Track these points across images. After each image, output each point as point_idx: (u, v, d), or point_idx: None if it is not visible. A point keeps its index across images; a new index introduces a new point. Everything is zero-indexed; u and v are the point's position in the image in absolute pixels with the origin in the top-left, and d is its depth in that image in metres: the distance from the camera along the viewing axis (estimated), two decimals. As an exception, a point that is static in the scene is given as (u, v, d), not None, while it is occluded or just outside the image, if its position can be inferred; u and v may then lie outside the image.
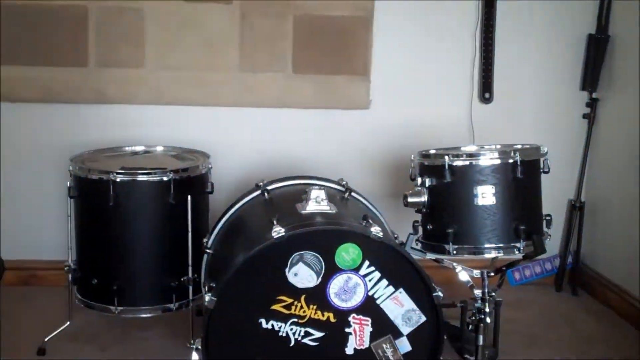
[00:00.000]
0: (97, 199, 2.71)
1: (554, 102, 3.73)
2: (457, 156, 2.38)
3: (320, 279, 2.22)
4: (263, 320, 2.23)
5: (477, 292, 2.45)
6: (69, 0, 3.41)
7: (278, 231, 2.17)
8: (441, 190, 2.41)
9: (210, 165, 2.96)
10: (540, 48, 3.69)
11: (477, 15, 3.59)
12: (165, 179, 2.72)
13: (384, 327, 2.28)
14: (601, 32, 3.59)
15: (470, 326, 2.48)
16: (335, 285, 2.23)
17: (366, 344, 2.29)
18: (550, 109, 3.74)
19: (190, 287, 2.77)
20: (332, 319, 2.25)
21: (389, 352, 2.30)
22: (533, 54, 3.69)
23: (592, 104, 3.64)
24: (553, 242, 3.72)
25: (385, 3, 3.53)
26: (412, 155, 2.53)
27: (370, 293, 2.25)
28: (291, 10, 3.50)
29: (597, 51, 3.60)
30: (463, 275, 2.51)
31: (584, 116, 3.68)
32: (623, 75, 3.51)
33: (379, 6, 3.52)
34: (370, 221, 2.27)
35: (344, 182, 2.70)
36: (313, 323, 2.24)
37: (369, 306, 2.26)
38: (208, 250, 2.61)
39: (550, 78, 3.72)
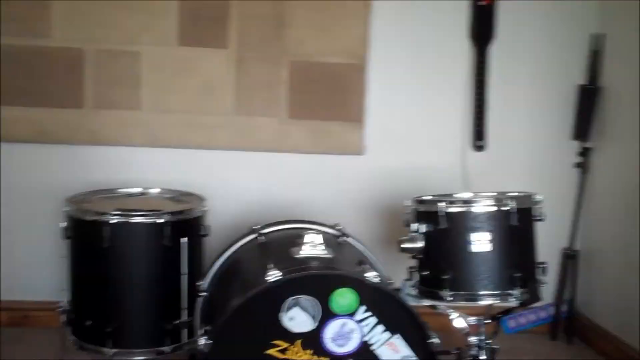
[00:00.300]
0: (91, 240, 2.69)
1: (546, 150, 3.77)
2: (453, 202, 2.39)
3: (316, 324, 2.21)
4: (258, 365, 2.21)
5: (473, 339, 2.44)
6: (66, 42, 3.44)
7: (274, 275, 2.16)
8: (436, 237, 2.41)
9: (205, 208, 2.96)
10: (532, 97, 3.73)
11: (469, 64, 3.64)
12: (160, 221, 2.71)
13: (379, 373, 2.27)
14: (592, 83, 3.64)
15: (466, 373, 2.47)
16: (331, 330, 2.22)
17: (362, 390, 2.27)
18: (542, 158, 3.77)
19: (185, 330, 2.75)
20: (327, 365, 2.24)
21: (385, 399, 2.28)
22: (524, 103, 3.73)
23: (584, 153, 3.68)
24: (548, 290, 3.72)
25: (379, 51, 3.58)
26: (407, 201, 2.54)
27: (365, 339, 2.24)
28: (287, 56, 3.55)
29: (588, 101, 3.64)
30: (458, 322, 2.50)
31: (577, 165, 3.71)
32: (615, 125, 3.55)
33: (373, 54, 3.57)
34: (367, 266, 2.27)
35: (340, 227, 2.71)
36: (308, 368, 2.23)
37: (364, 352, 2.24)
38: (203, 293, 2.60)
39: (542, 127, 3.76)
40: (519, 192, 2.53)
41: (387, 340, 2.25)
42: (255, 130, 3.57)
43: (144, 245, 2.76)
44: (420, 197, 2.55)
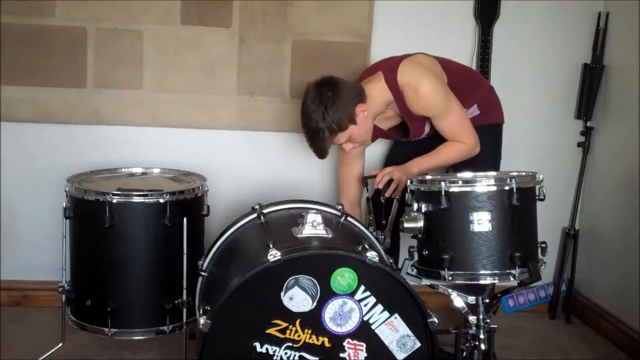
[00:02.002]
0: (92, 220, 2.70)
1: (549, 130, 3.76)
2: (454, 182, 2.39)
3: (315, 304, 2.21)
4: (257, 344, 2.21)
5: (472, 318, 2.45)
6: (68, 21, 3.43)
7: (274, 255, 2.16)
8: (437, 216, 2.40)
9: (206, 188, 2.96)
10: (536, 76, 3.73)
11: (474, 43, 3.62)
12: (161, 201, 2.73)
13: (378, 352, 2.26)
14: (596, 62, 3.62)
15: (465, 353, 2.47)
16: (331, 309, 2.22)
17: (361, 370, 2.28)
18: (545, 137, 3.77)
19: (185, 310, 2.76)
20: (326, 344, 2.24)
21: (384, 378, 2.29)
22: (528, 82, 3.73)
23: (587, 132, 3.67)
24: (547, 270, 3.73)
25: (383, 30, 3.57)
26: (409, 181, 2.54)
27: (365, 318, 2.24)
28: (290, 35, 3.54)
29: (592, 80, 3.63)
30: (458, 302, 2.51)
31: (579, 144, 3.71)
32: (618, 104, 3.54)
33: (377, 33, 3.56)
34: (366, 246, 2.27)
35: (340, 207, 2.70)
36: (308, 347, 2.23)
37: (363, 331, 2.24)
38: (203, 273, 2.60)
39: (546, 106, 3.76)
40: (520, 172, 2.51)
41: (386, 319, 2.25)
42: (257, 110, 3.57)
43: (144, 225, 2.77)
44: (422, 176, 2.55)
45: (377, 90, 2.97)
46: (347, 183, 3.25)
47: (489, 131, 3.11)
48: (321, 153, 2.96)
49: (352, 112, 2.86)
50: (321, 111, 2.82)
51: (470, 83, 3.16)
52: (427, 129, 3.09)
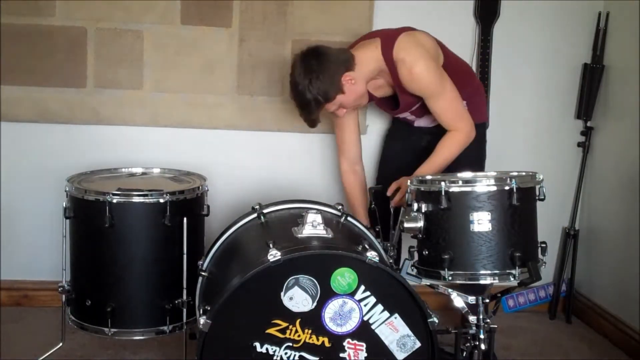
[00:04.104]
0: (93, 219, 2.71)
1: (549, 130, 3.77)
2: (454, 182, 2.39)
3: (315, 303, 2.21)
4: (257, 344, 2.21)
5: (472, 318, 2.45)
6: (68, 21, 3.43)
7: (274, 254, 2.16)
8: (437, 216, 2.40)
9: (206, 188, 2.96)
10: (536, 76, 3.73)
11: (474, 43, 3.62)
12: (161, 201, 2.72)
13: (378, 352, 2.27)
14: (596, 62, 3.62)
15: (465, 353, 2.47)
16: (331, 309, 2.22)
17: (361, 370, 2.28)
18: (545, 137, 3.77)
19: (185, 310, 2.76)
20: (326, 344, 2.24)
21: (384, 378, 2.29)
22: (528, 82, 3.73)
23: (587, 132, 3.67)
24: (547, 270, 3.73)
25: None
26: (409, 181, 2.54)
27: (365, 318, 2.24)
28: (289, 35, 3.53)
29: (592, 80, 3.63)
30: (458, 302, 2.50)
31: (579, 144, 3.71)
32: (618, 104, 3.54)
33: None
34: (367, 246, 2.27)
35: (341, 207, 2.70)
36: (308, 347, 2.23)
37: (364, 331, 2.25)
38: (203, 273, 2.60)
39: (546, 106, 3.76)
40: (520, 172, 2.51)
41: (386, 319, 2.25)
42: (257, 110, 3.57)
43: (144, 224, 2.77)
44: (422, 176, 2.55)
45: (371, 57, 2.96)
46: (344, 143, 3.27)
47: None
48: (311, 123, 3.00)
49: (338, 82, 2.88)
50: (307, 83, 2.85)
51: (462, 74, 3.13)
52: (416, 104, 3.06)
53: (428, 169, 2.91)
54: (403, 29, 3.01)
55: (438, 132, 3.02)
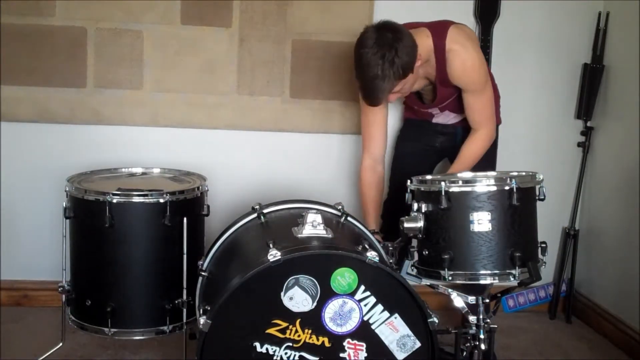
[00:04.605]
0: (93, 219, 2.71)
1: (549, 130, 3.77)
2: (454, 182, 2.39)
3: (315, 303, 2.21)
4: (257, 344, 2.21)
5: (472, 318, 2.45)
6: (69, 21, 3.43)
7: (274, 254, 2.16)
8: (437, 216, 2.40)
9: (206, 188, 2.96)
10: (536, 76, 3.73)
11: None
12: (161, 201, 2.72)
13: (378, 352, 2.26)
14: (596, 62, 3.63)
15: (465, 353, 2.47)
16: (331, 309, 2.22)
17: (361, 370, 2.28)
18: (545, 137, 3.77)
19: (185, 310, 2.76)
20: (326, 344, 2.24)
21: (384, 378, 2.29)
22: (528, 82, 3.72)
23: (587, 132, 3.67)
24: (547, 270, 3.73)
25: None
26: (409, 181, 2.54)
27: (365, 318, 2.24)
28: (289, 35, 3.53)
29: (592, 80, 3.63)
30: (458, 302, 2.50)
31: (579, 144, 3.71)
32: (618, 104, 3.54)
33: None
34: (367, 246, 2.27)
35: (341, 207, 2.70)
36: (308, 347, 2.23)
37: (364, 331, 2.24)
38: (203, 273, 2.60)
39: (546, 106, 3.76)
40: (520, 172, 2.51)
41: (386, 319, 2.25)
42: (257, 110, 3.57)
43: (144, 224, 2.76)
44: (422, 176, 2.54)
45: (422, 45, 2.79)
46: (371, 140, 3.11)
47: None
48: (377, 101, 2.75)
49: (414, 60, 2.70)
50: (391, 55, 2.60)
51: (489, 74, 3.10)
52: (450, 98, 3.01)
53: (460, 167, 2.91)
54: (449, 22, 2.95)
55: (451, 132, 3.02)
